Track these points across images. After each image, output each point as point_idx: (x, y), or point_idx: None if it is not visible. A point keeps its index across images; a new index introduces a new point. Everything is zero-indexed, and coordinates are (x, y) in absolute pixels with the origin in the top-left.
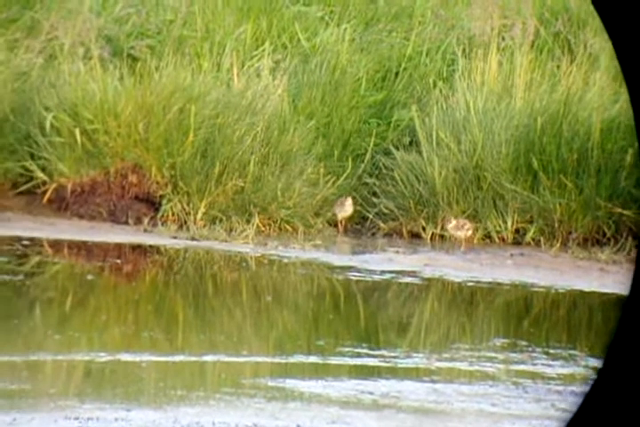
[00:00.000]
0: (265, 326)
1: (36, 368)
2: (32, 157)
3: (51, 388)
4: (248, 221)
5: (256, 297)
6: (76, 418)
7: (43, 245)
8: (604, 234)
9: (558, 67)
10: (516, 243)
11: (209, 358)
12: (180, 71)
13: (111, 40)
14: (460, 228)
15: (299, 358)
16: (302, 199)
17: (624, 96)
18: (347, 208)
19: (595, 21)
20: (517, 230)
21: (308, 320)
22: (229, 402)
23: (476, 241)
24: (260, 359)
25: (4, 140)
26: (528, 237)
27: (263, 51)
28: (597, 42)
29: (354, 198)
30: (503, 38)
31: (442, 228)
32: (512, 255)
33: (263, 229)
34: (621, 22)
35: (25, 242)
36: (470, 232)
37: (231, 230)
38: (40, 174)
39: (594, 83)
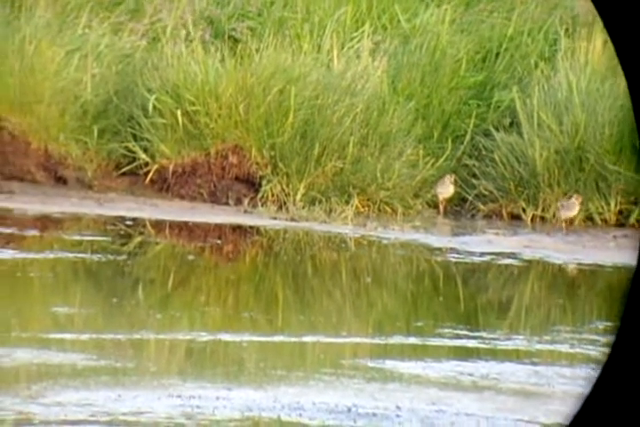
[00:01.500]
0: (364, 307)
1: (139, 347)
2: (135, 138)
3: (154, 366)
4: (347, 203)
5: (355, 278)
6: (179, 396)
7: (145, 225)
8: None
9: None
10: (620, 225)
11: (308, 338)
12: (280, 53)
13: (212, 22)
14: (567, 208)
15: (398, 340)
16: (401, 180)
17: None
18: (448, 187)
19: None
20: (621, 212)
21: (408, 302)
22: (329, 382)
23: (577, 223)
24: (359, 340)
25: (107, 121)
26: (632, 219)
27: (363, 32)
28: None
29: (454, 180)
30: None
31: (543, 210)
32: (615, 237)
33: (362, 210)
34: (622, 22)
35: (128, 222)
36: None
37: (330, 211)
38: (142, 155)
39: None
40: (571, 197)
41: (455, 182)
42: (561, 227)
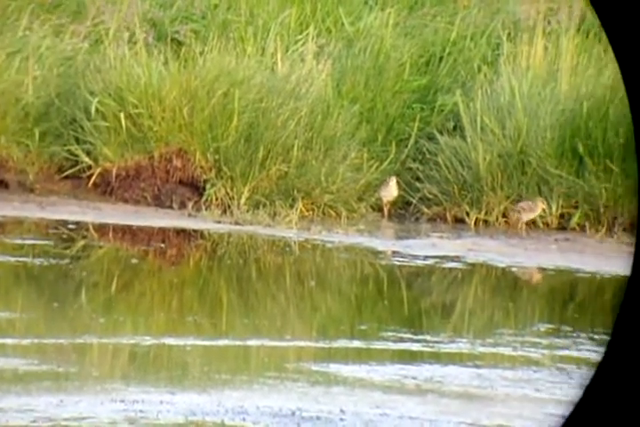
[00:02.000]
0: (308, 310)
1: (82, 351)
2: (77, 141)
3: (96, 371)
4: (291, 206)
5: (299, 282)
6: (122, 401)
7: (88, 229)
8: None
9: (605, 51)
10: (561, 228)
11: (253, 342)
12: (224, 55)
13: (155, 24)
14: (529, 210)
15: (342, 343)
16: (346, 184)
17: None
18: (391, 189)
19: None
20: (562, 215)
21: (352, 305)
22: (273, 386)
23: (520, 226)
24: (303, 344)
25: (49, 124)
26: (573, 223)
27: (307, 35)
28: None
29: (397, 183)
30: (549, 22)
31: (486, 213)
32: (557, 240)
33: (306, 213)
34: (620, 23)
35: (70, 226)
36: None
37: (275, 215)
38: (85, 159)
39: None
40: (529, 200)
41: (399, 185)
42: (504, 230)
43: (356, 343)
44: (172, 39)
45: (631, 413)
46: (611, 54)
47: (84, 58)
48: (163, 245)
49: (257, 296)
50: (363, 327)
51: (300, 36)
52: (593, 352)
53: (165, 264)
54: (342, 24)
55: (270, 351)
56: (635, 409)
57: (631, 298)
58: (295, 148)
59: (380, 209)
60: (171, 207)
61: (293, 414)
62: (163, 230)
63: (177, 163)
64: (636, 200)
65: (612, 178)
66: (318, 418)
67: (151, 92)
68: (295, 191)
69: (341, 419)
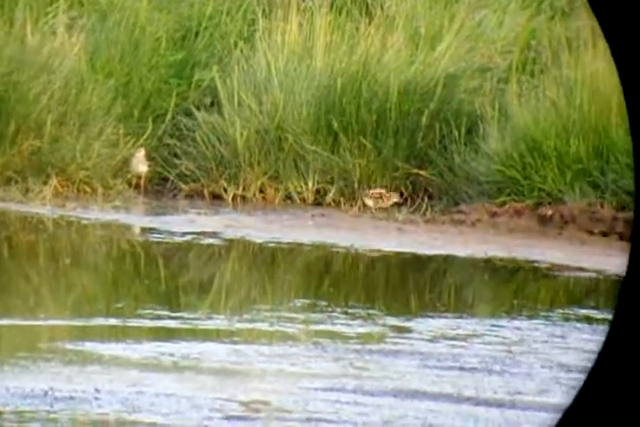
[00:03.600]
0: (63, 289)
1: None
2: None
3: None
4: (45, 183)
5: (53, 260)
6: None
7: None
8: (402, 194)
9: (357, 28)
10: (317, 204)
11: (4, 322)
12: None
13: None
14: (378, 198)
15: (98, 321)
16: (102, 160)
17: (420, 57)
18: (141, 162)
19: None
20: (318, 191)
21: (108, 283)
22: (25, 367)
23: (277, 202)
24: (57, 323)
25: None
26: (328, 198)
27: (57, 7)
28: (394, 3)
29: (154, 159)
30: None
31: (244, 189)
32: (313, 216)
33: (61, 190)
34: (618, 23)
35: None
36: (389, 202)
37: (27, 191)
38: None
39: (391, 45)
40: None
41: (156, 162)
42: (262, 206)
43: (113, 321)
44: None
45: (626, 414)
46: (362, 31)
47: None
48: None
49: (9, 275)
50: (119, 305)
51: (50, 8)
52: (347, 326)
53: None
54: None
55: (22, 331)
56: (629, 411)
57: (627, 297)
58: (48, 123)
59: (138, 186)
60: None
61: (46, 394)
62: None
63: None
64: (388, 176)
65: (365, 154)
66: (72, 398)
67: None
68: (49, 167)
69: (96, 398)
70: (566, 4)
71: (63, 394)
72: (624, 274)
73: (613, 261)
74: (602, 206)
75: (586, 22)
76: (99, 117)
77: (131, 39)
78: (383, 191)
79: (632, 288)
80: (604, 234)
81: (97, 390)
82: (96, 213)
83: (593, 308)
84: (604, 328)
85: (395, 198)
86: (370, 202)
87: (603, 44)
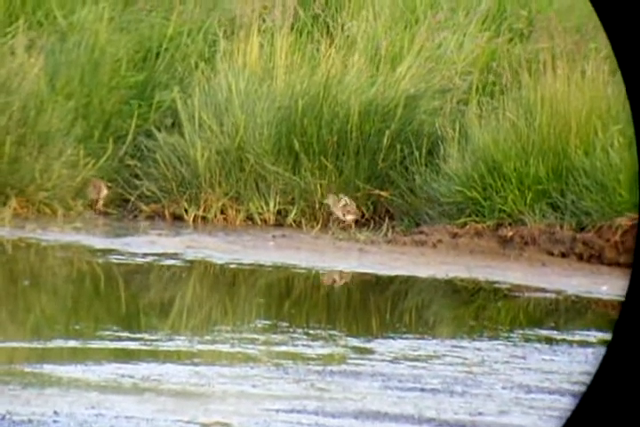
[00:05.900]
0: (22, 310)
1: None
2: None
3: None
4: (4, 204)
5: (12, 281)
6: None
7: None
8: (363, 215)
9: (318, 49)
10: (278, 224)
11: None
12: None
13: None
14: (346, 211)
15: (57, 343)
16: (62, 181)
17: (380, 78)
18: (101, 192)
19: (351, 4)
20: (279, 212)
21: (67, 304)
22: None
23: (238, 223)
24: (15, 345)
25: None
26: (290, 219)
27: (17, 28)
28: (354, 24)
29: (115, 180)
30: (264, 20)
31: (205, 210)
32: (274, 237)
33: (21, 211)
34: (620, 23)
35: None
36: (355, 213)
37: None
38: None
39: (352, 66)
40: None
41: (116, 184)
42: (222, 227)
43: (72, 343)
44: None
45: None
46: (323, 52)
47: None
48: None
49: None
50: (78, 327)
51: (9, 28)
52: (308, 347)
53: None
54: (55, 17)
55: None
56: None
57: (630, 309)
58: (7, 143)
59: (97, 207)
60: None
61: (3, 418)
62: None
63: None
64: (349, 196)
65: (326, 175)
66: (30, 421)
67: None
68: (8, 188)
69: (55, 421)
70: (525, 27)
71: (21, 418)
72: (624, 297)
73: (572, 282)
74: (561, 227)
75: (545, 45)
76: (58, 138)
77: (91, 60)
78: (347, 199)
79: (631, 311)
80: (564, 255)
81: (56, 413)
82: (56, 235)
83: (553, 328)
84: (564, 349)
85: (354, 213)
86: (338, 212)
87: (562, 66)
